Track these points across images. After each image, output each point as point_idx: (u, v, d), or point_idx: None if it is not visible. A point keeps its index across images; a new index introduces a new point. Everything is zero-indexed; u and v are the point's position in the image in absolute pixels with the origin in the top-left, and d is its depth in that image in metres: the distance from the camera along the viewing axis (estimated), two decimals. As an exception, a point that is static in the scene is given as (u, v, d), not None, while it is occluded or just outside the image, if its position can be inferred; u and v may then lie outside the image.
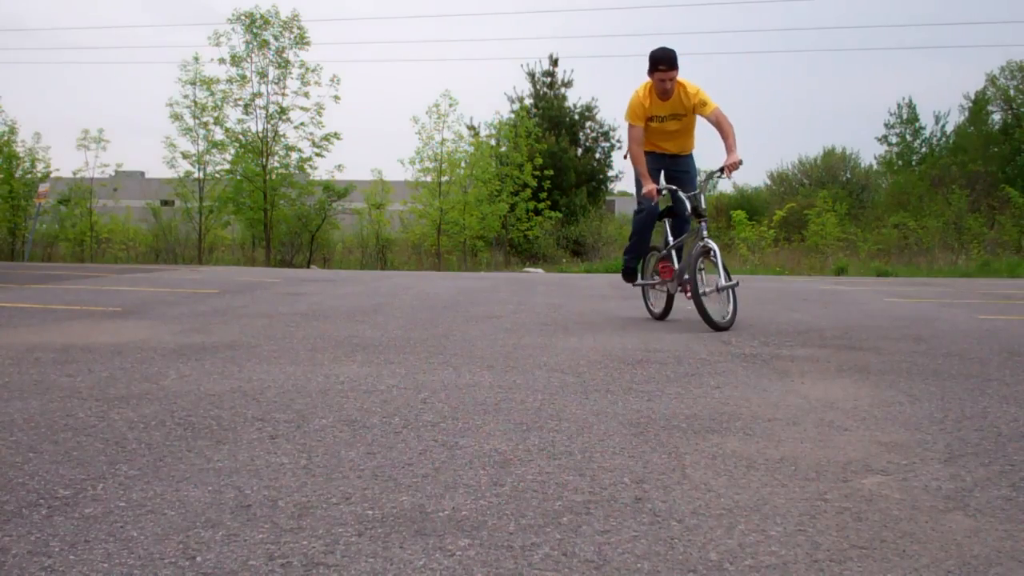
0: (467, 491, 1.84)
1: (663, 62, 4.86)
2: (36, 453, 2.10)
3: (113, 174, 19.78)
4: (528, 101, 23.14)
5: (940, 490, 1.89)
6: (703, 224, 4.95)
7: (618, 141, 23.39)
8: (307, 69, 18.42)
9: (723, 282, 4.85)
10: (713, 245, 4.83)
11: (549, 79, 23.45)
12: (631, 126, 5.08)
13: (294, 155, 18.61)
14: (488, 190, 18.81)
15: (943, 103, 72.38)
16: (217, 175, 18.74)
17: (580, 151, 22.99)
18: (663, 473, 2.00)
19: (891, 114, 31.16)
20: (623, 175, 25.36)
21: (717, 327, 4.74)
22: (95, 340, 4.08)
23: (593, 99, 27.07)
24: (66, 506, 1.71)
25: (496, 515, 1.69)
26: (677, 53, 4.88)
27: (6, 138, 18.81)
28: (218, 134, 18.46)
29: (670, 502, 1.79)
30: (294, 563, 1.44)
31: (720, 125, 4.98)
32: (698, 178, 5.34)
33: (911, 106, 29.71)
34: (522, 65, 31.81)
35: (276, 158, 18.55)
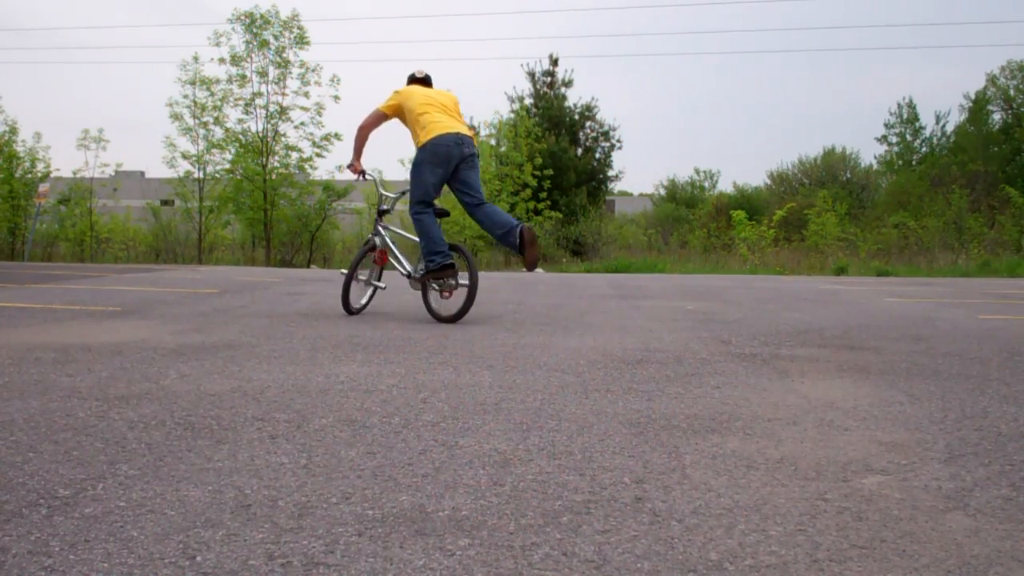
0: (467, 491, 1.84)
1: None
2: (36, 453, 2.10)
3: (113, 174, 19.77)
4: (528, 101, 23.11)
5: (940, 490, 1.89)
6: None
7: (618, 141, 23.39)
8: (307, 69, 18.41)
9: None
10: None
11: (549, 79, 23.42)
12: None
13: (294, 155, 18.60)
14: (488, 190, 18.82)
15: (943, 103, 72.41)
16: (217, 175, 18.73)
17: (580, 151, 22.95)
18: (663, 473, 2.00)
19: (891, 114, 31.26)
20: (623, 175, 25.30)
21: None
22: (95, 340, 4.08)
23: (593, 99, 26.97)
24: (66, 506, 1.71)
25: (496, 515, 1.69)
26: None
27: (6, 138, 18.80)
28: (218, 134, 18.46)
29: (670, 502, 1.79)
30: (294, 563, 1.44)
31: None
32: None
33: (911, 106, 29.80)
34: (522, 65, 31.83)
35: (276, 158, 18.55)
